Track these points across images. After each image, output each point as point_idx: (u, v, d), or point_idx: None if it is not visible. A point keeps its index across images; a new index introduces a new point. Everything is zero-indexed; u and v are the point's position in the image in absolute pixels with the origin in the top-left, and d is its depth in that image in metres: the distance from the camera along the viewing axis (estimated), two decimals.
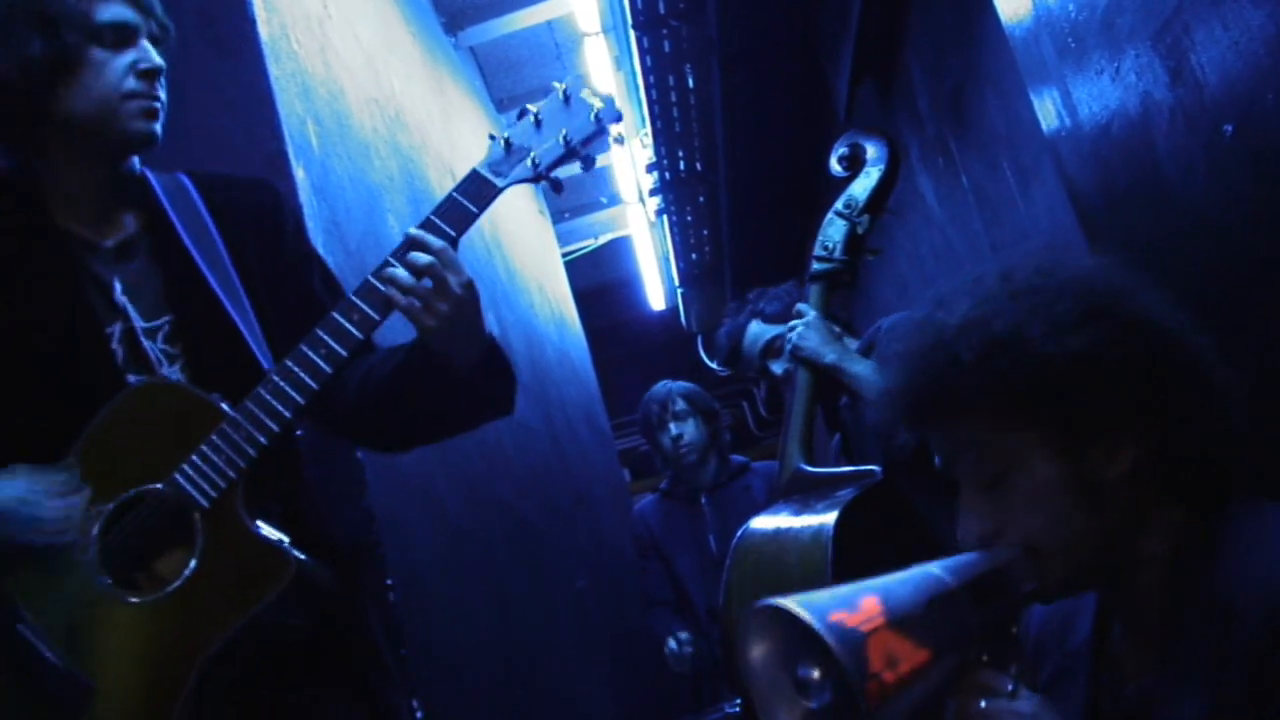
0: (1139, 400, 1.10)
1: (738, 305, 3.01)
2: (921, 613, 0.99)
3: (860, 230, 2.36)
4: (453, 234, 1.51)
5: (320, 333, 1.47)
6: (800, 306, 2.45)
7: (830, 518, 1.98)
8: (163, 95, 1.56)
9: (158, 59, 1.55)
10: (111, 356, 1.52)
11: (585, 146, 1.59)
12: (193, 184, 1.68)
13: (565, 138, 1.57)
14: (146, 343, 1.54)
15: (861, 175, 2.38)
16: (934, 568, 1.04)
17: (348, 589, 1.61)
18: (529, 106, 1.59)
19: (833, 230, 2.38)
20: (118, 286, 1.55)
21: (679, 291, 8.33)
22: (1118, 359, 1.08)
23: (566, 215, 7.95)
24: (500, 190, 1.55)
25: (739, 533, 2.22)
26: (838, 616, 0.94)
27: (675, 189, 6.35)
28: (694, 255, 7.52)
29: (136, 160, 1.63)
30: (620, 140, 1.65)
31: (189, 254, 1.59)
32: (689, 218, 6.86)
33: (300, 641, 1.51)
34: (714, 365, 9.51)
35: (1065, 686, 1.23)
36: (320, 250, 2.45)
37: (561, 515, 4.67)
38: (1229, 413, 1.12)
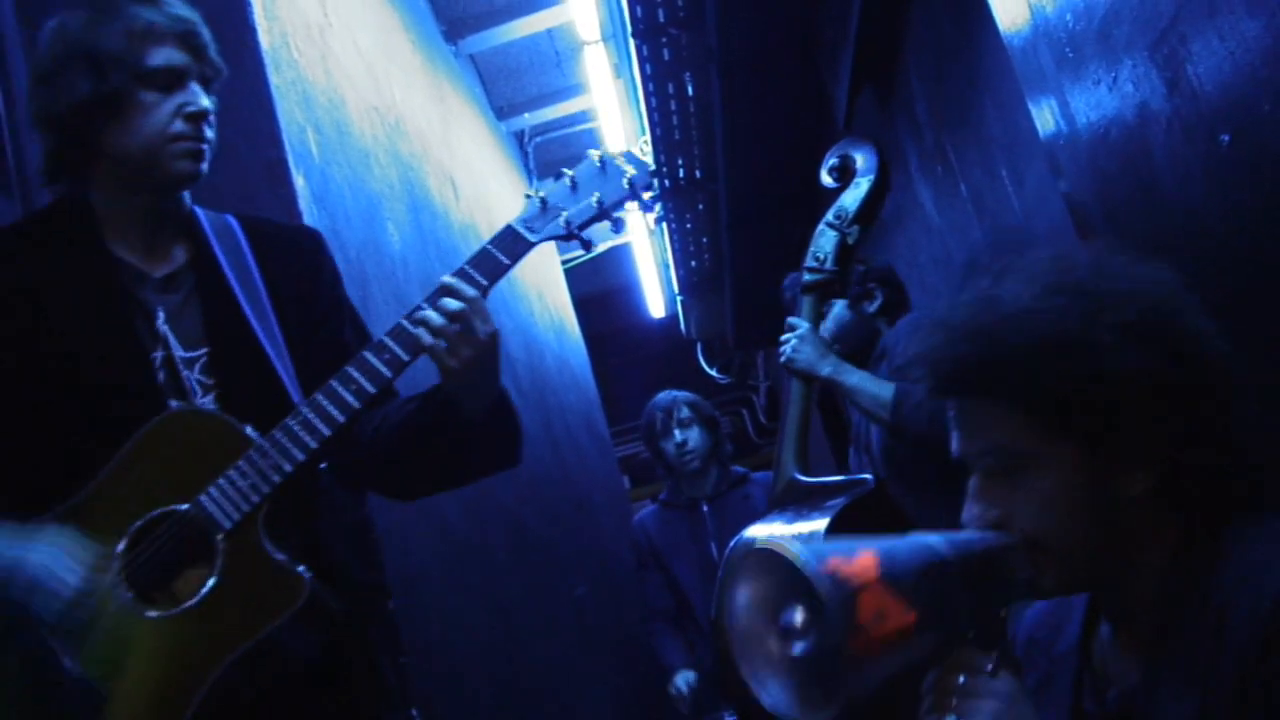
0: (1176, 428, 1.08)
1: None
2: (915, 578, 1.00)
3: (851, 241, 2.36)
4: (484, 283, 1.57)
5: (351, 370, 1.53)
6: (793, 320, 2.46)
7: (821, 525, 1.99)
8: (209, 135, 1.61)
9: (205, 102, 1.61)
10: (154, 381, 1.57)
11: (616, 210, 1.67)
12: (240, 226, 1.74)
13: (599, 200, 1.64)
14: (185, 372, 1.60)
15: (851, 186, 2.39)
16: (934, 538, 1.05)
17: (357, 622, 1.65)
18: (565, 170, 1.66)
19: (824, 241, 2.39)
20: (161, 315, 1.61)
21: (678, 299, 8.33)
22: (1168, 387, 1.07)
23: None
24: (533, 246, 1.62)
25: (732, 542, 2.23)
26: (834, 563, 0.94)
27: (675, 196, 6.36)
28: (693, 262, 7.52)
29: (187, 196, 1.69)
30: (650, 207, 1.72)
31: (231, 291, 1.65)
32: (689, 225, 6.86)
33: (303, 670, 1.54)
34: (714, 373, 9.53)
35: (1050, 691, 1.23)
36: None
37: (561, 522, 4.67)
38: (1246, 433, 1.12)
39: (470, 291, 1.53)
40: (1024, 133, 2.55)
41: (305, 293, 1.75)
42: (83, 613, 1.43)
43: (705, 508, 3.81)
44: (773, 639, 1.01)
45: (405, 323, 1.54)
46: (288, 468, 1.48)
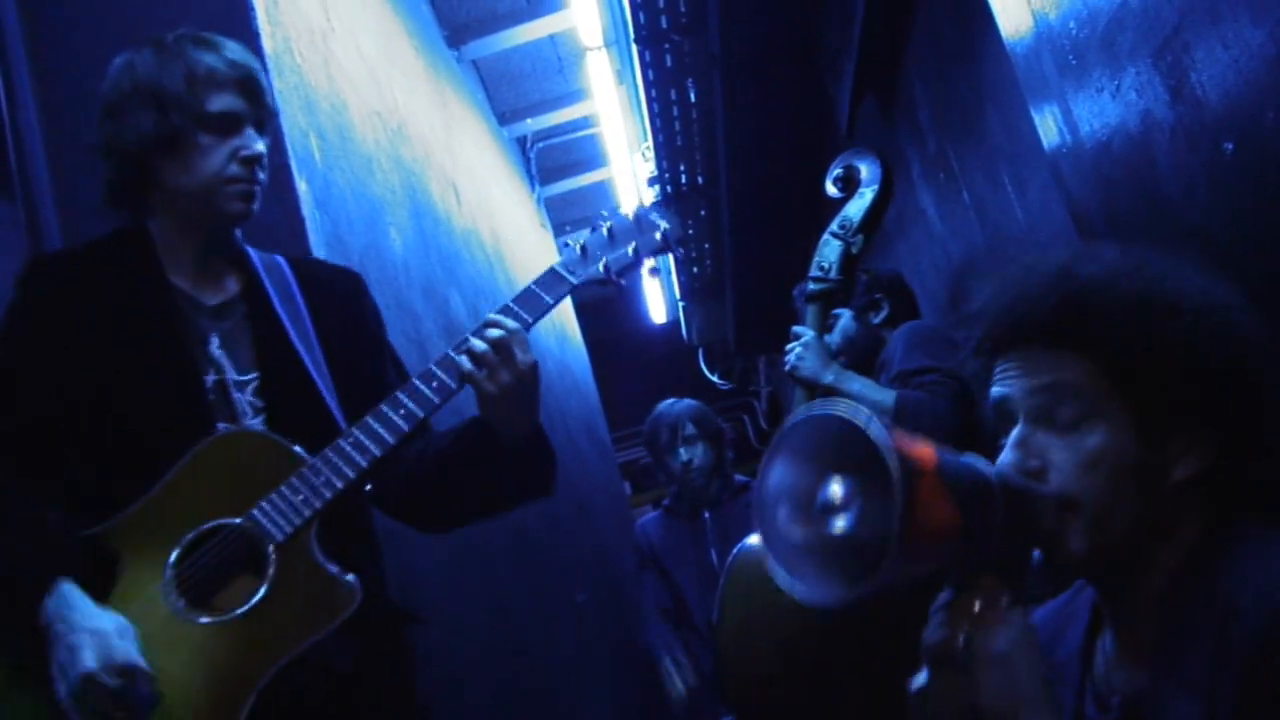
0: (1237, 419, 1.10)
1: None
2: (965, 485, 1.01)
3: (855, 250, 2.40)
4: (528, 319, 1.68)
5: (401, 395, 1.62)
6: (797, 329, 2.48)
7: None
8: (261, 177, 1.71)
9: (259, 147, 1.70)
10: (205, 402, 1.64)
11: (650, 257, 1.85)
12: (287, 263, 1.84)
13: (635, 250, 1.82)
14: (236, 394, 1.68)
15: (856, 196, 2.42)
16: (981, 462, 1.06)
17: (392, 641, 1.73)
18: (602, 223, 1.85)
19: (828, 250, 2.42)
20: (215, 340, 1.69)
21: (680, 305, 8.33)
22: (1231, 379, 1.09)
23: (568, 228, 7.96)
24: (574, 287, 1.77)
25: (735, 549, 2.23)
26: (900, 440, 0.95)
27: (677, 202, 6.36)
28: (695, 269, 7.53)
29: (239, 232, 1.79)
30: (680, 255, 1.88)
31: (280, 321, 1.74)
32: (690, 231, 6.86)
33: (338, 686, 1.58)
34: (715, 379, 9.52)
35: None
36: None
37: (562, 527, 4.67)
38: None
39: (512, 324, 1.64)
40: (1026, 140, 2.55)
41: (349, 328, 1.84)
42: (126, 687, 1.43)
43: (707, 515, 3.82)
44: (804, 517, 1.03)
45: (451, 353, 1.64)
46: (339, 484, 1.55)
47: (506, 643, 3.34)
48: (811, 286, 2.44)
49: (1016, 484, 1.10)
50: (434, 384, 1.63)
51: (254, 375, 1.70)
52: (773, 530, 1.04)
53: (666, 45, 4.77)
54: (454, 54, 5.54)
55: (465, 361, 1.61)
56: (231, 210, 1.69)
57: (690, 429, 3.84)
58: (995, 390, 1.20)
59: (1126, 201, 1.86)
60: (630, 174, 6.76)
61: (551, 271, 1.76)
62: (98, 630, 1.42)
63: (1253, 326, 1.12)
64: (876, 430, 0.95)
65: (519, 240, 5.86)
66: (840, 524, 1.01)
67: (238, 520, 1.54)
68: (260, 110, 1.73)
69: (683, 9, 4.52)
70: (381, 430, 1.59)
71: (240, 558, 1.53)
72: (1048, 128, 2.13)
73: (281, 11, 2.76)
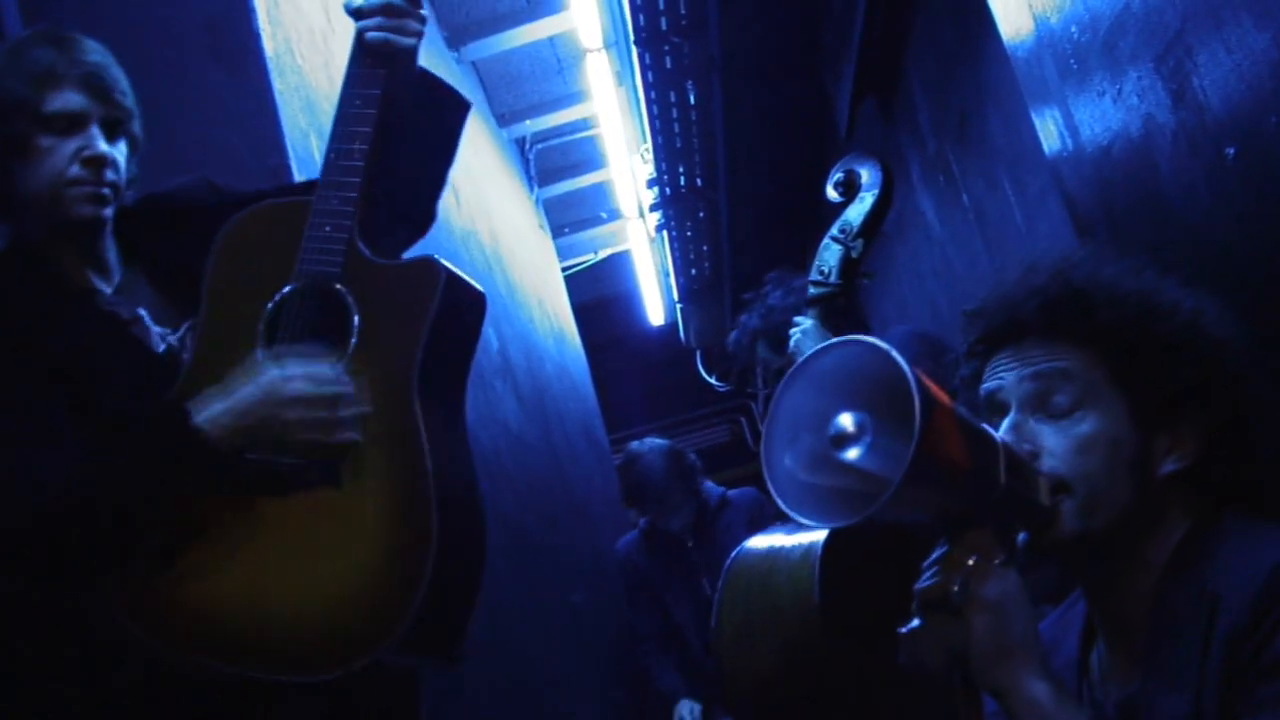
0: (1221, 415, 1.15)
1: (755, 298, 3.01)
2: (975, 432, 1.03)
3: (855, 255, 2.39)
4: None
5: (344, 90, 1.65)
6: (798, 318, 2.48)
7: (820, 535, 1.98)
8: (110, 177, 1.59)
9: (102, 147, 1.59)
10: (171, 369, 1.58)
11: None
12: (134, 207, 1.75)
13: None
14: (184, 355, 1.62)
15: (856, 201, 2.42)
16: (988, 426, 1.08)
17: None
18: None
19: (828, 255, 2.42)
20: (144, 316, 1.63)
21: (678, 307, 8.33)
22: (1218, 378, 1.15)
23: (567, 230, 7.96)
24: None
25: (733, 553, 2.23)
26: (921, 374, 0.97)
27: (675, 204, 6.37)
28: (693, 270, 7.53)
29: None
30: None
31: (166, 235, 1.70)
32: (689, 233, 6.87)
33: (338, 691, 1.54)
34: (713, 381, 9.52)
35: None
36: None
37: (559, 529, 4.66)
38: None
39: None
40: (1026, 143, 2.55)
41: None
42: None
43: (690, 543, 3.85)
44: (816, 445, 1.04)
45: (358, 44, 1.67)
46: (353, 194, 1.57)
47: (502, 644, 3.34)
48: (811, 291, 2.45)
49: (1019, 452, 1.12)
50: (365, 63, 1.66)
51: (186, 325, 1.64)
52: (780, 465, 1.05)
53: (666, 47, 4.77)
54: (454, 55, 5.54)
55: (375, 34, 1.64)
56: (77, 214, 1.58)
57: (676, 498, 3.88)
58: (986, 385, 1.23)
59: (1127, 205, 1.86)
60: (629, 176, 6.76)
61: None
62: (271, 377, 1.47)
63: (1235, 330, 1.18)
64: (898, 357, 0.96)
65: (518, 241, 5.85)
66: (852, 454, 1.02)
67: (292, 285, 1.55)
68: (110, 108, 1.61)
69: (683, 11, 4.52)
70: (353, 126, 1.61)
71: (318, 313, 1.54)
72: (1048, 131, 2.13)
73: (282, 12, 2.76)
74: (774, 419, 1.06)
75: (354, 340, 1.53)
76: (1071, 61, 1.93)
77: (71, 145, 1.57)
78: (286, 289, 1.55)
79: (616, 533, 5.49)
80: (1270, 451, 1.22)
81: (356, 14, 1.68)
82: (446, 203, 4.22)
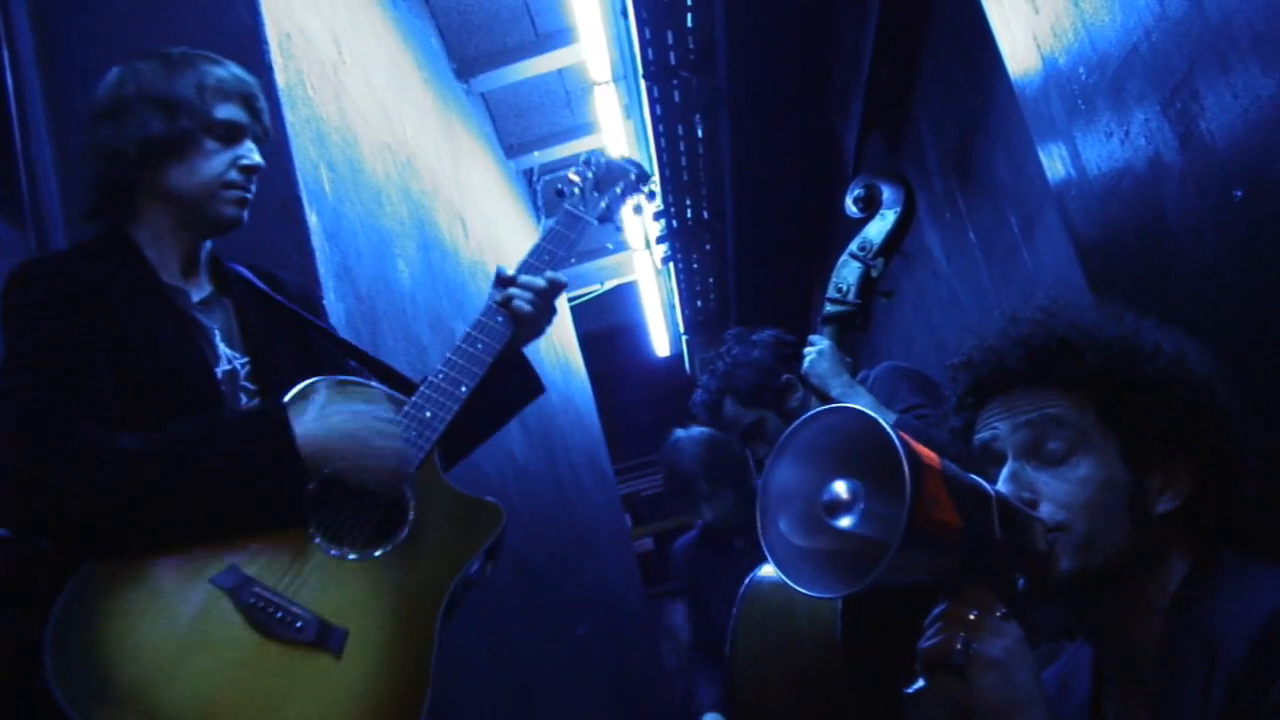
0: (1209, 455, 1.18)
1: (715, 357, 2.92)
2: (966, 490, 1.04)
3: (874, 273, 2.36)
4: (565, 255, 1.98)
5: (473, 332, 1.82)
6: (813, 337, 2.46)
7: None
8: (253, 189, 1.79)
9: (258, 158, 1.79)
10: (220, 393, 1.68)
11: (633, 194, 2.15)
12: (246, 269, 1.91)
13: (621, 190, 2.11)
14: (244, 382, 1.72)
15: (877, 218, 2.39)
16: (979, 479, 1.09)
17: None
18: (585, 166, 2.11)
19: (847, 272, 2.39)
20: (217, 334, 1.75)
21: (683, 338, 8.34)
22: (1203, 418, 1.17)
23: (573, 260, 7.94)
24: (589, 224, 2.06)
25: (746, 581, 2.21)
26: (907, 438, 0.98)
27: (682, 236, 6.38)
28: (699, 302, 7.55)
29: (210, 243, 1.85)
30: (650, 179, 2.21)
31: (264, 309, 1.84)
32: (695, 265, 6.88)
33: None
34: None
35: None
36: (330, 295, 2.47)
37: (564, 560, 4.65)
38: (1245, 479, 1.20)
39: (559, 276, 1.92)
40: (1033, 181, 2.56)
41: (312, 314, 1.95)
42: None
43: (738, 545, 3.71)
44: (809, 515, 1.06)
45: (496, 297, 1.87)
46: (447, 415, 1.72)
47: (506, 675, 3.32)
48: (828, 308, 2.42)
49: (1013, 502, 1.13)
50: (498, 319, 1.84)
51: (245, 360, 1.75)
52: (775, 531, 1.06)
53: (675, 81, 4.80)
54: (463, 87, 5.58)
55: (524, 304, 1.84)
56: (227, 215, 1.75)
57: (704, 486, 3.70)
58: (980, 436, 1.25)
59: (1134, 244, 1.86)
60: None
61: (567, 213, 2.02)
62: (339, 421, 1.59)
63: (1217, 368, 1.21)
64: (885, 426, 0.97)
65: None
66: (845, 522, 1.03)
67: None
68: (259, 126, 1.81)
69: (692, 46, 4.55)
70: (467, 363, 1.77)
71: (373, 500, 1.62)
72: (1055, 169, 2.14)
73: (294, 44, 2.78)
74: (765, 492, 1.08)
75: (405, 532, 1.62)
76: (1079, 101, 1.94)
77: (231, 153, 1.75)
78: None
79: (621, 564, 5.46)
80: (1267, 488, 1.23)
81: (510, 283, 1.89)
82: (455, 234, 4.24)
